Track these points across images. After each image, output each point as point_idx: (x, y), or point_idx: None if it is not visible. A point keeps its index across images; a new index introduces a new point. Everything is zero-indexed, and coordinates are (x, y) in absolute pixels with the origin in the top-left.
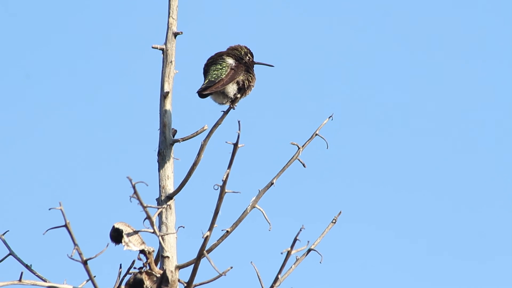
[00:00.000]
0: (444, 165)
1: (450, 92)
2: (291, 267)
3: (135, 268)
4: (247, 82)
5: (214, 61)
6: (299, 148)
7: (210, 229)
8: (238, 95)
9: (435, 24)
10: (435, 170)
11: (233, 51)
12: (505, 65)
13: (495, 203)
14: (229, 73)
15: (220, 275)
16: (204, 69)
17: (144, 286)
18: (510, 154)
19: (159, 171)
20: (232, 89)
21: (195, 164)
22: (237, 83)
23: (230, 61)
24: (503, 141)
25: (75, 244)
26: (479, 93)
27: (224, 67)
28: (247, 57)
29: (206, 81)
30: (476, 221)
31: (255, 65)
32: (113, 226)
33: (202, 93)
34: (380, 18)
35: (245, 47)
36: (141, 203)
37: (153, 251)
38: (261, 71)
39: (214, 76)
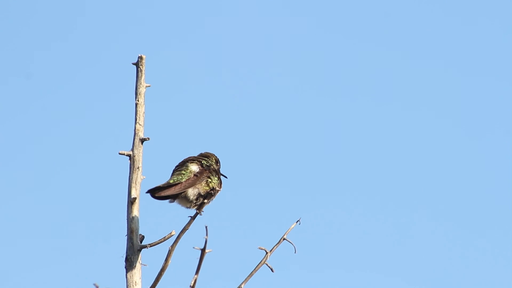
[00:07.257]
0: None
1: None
2: None
3: None
4: (207, 188)
5: (179, 166)
6: (267, 252)
7: None
8: (205, 200)
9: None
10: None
11: (202, 158)
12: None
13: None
14: (190, 179)
15: None
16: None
17: None
18: None
19: (126, 277)
20: (192, 193)
21: (162, 270)
22: (198, 188)
23: (194, 167)
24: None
25: None
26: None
27: (187, 172)
28: (218, 165)
29: (164, 183)
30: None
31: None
32: None
33: (153, 194)
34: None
35: (214, 156)
36: None
37: None
38: (231, 170)
39: (174, 179)
